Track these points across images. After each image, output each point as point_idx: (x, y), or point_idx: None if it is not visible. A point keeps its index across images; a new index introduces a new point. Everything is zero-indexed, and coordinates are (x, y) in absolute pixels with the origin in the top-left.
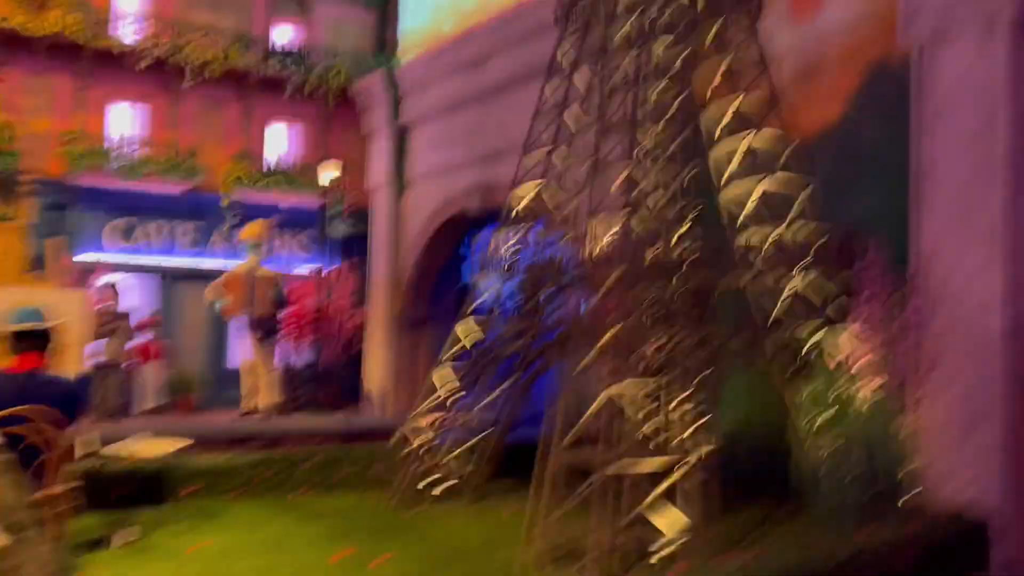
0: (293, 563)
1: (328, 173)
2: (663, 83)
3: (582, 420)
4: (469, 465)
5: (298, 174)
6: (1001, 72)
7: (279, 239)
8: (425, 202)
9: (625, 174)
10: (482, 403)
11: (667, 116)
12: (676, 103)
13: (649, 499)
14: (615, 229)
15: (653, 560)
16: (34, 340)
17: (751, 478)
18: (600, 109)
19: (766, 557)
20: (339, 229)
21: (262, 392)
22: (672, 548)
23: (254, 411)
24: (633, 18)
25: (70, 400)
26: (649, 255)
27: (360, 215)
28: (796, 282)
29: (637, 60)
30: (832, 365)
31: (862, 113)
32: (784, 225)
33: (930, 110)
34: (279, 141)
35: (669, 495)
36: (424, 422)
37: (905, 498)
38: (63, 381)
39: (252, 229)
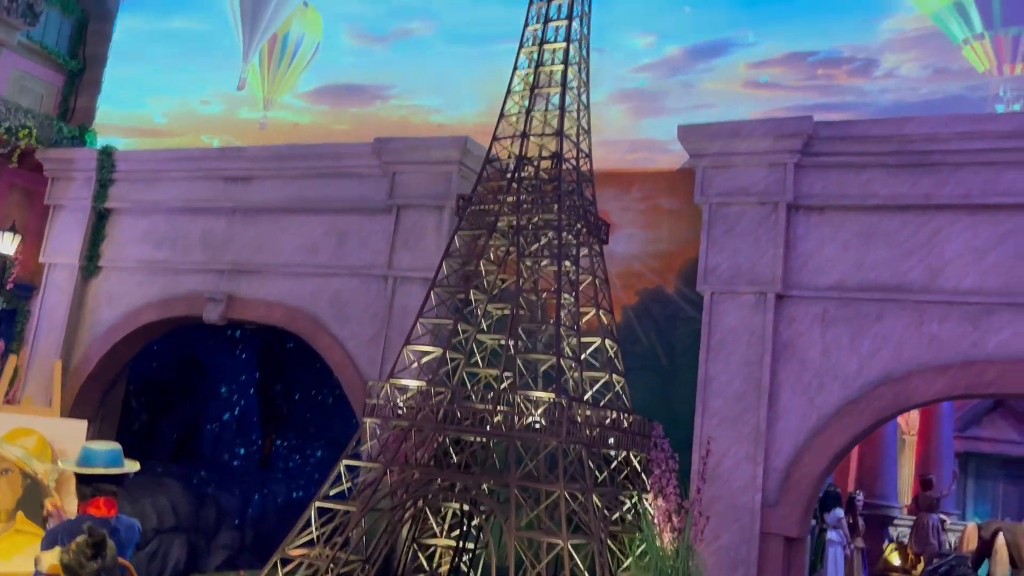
0: None
1: (5, 246)
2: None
3: None
4: None
5: None
6: (767, 324)
7: None
8: (127, 294)
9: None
10: None
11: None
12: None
13: None
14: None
15: None
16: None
17: None
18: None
19: None
20: None
21: None
22: None
23: None
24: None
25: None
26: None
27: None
28: (620, 455)
29: (517, 270)
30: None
31: (640, 323)
32: (612, 412)
33: (715, 339)
34: None
35: None
36: None
37: None
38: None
39: None
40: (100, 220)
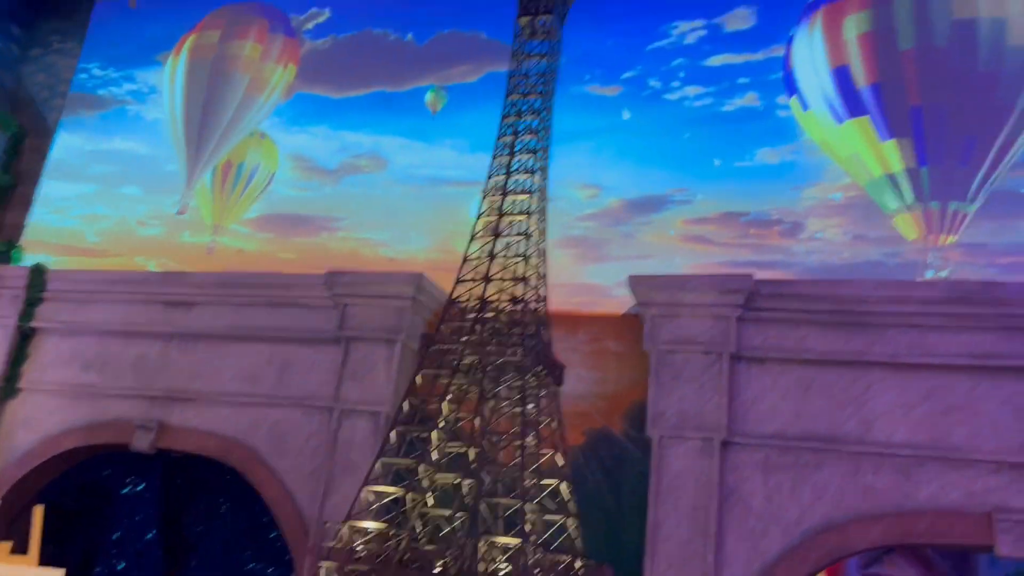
0: None
1: None
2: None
3: None
4: None
5: None
6: (714, 470)
7: None
8: (47, 418)
9: None
10: None
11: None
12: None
13: None
14: None
15: None
16: None
17: None
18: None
19: None
20: None
21: None
22: None
23: None
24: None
25: None
26: None
27: None
28: None
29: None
30: None
31: (588, 464)
32: (566, 557)
33: (664, 484)
34: None
35: None
36: None
37: None
38: None
39: None
40: (23, 340)
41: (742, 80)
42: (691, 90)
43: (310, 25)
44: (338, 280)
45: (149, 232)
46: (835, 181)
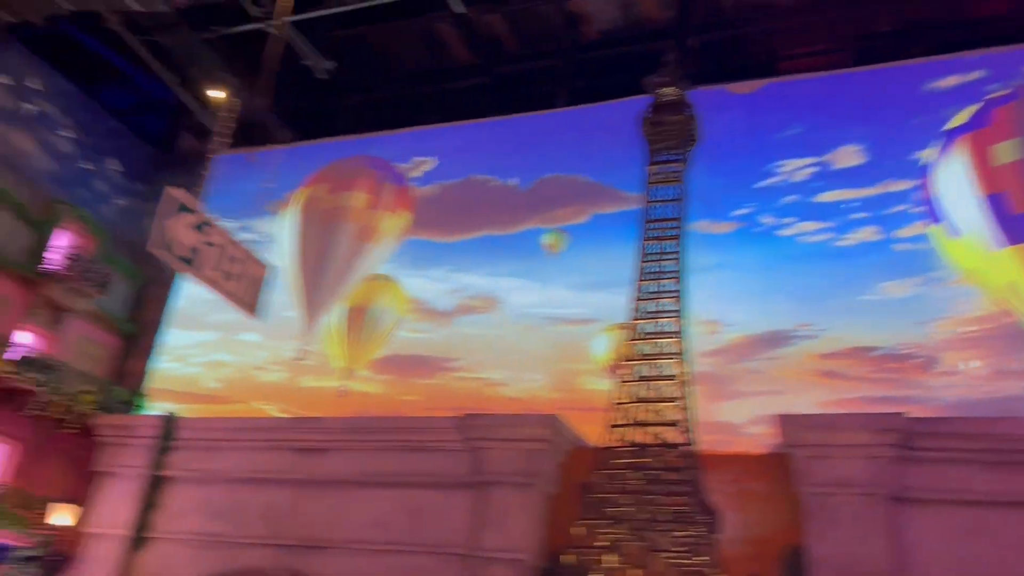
0: None
1: (61, 516)
2: None
3: None
4: None
5: (10, 505)
6: None
7: None
8: (178, 568)
9: None
10: None
11: None
12: None
13: None
14: None
15: None
16: None
17: None
18: None
19: None
20: (27, 575)
21: None
22: None
23: None
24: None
25: None
26: None
27: (48, 561)
28: None
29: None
30: None
31: None
32: None
33: None
34: None
35: None
36: None
37: None
38: None
39: None
40: (153, 489)
41: (857, 215)
42: (806, 226)
43: (417, 173)
44: (470, 423)
45: (269, 377)
46: (965, 313)
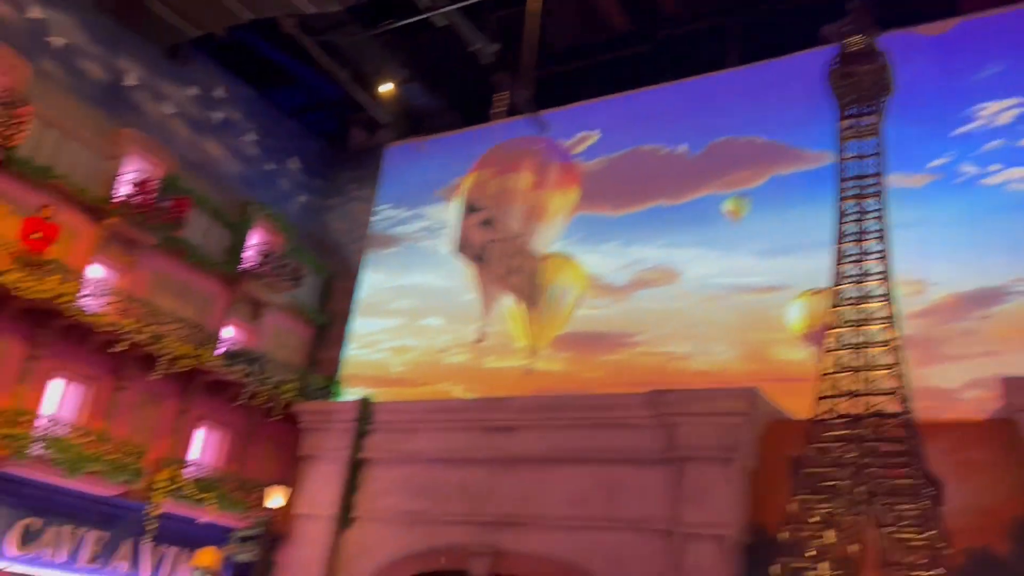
0: None
1: (276, 498)
2: None
3: None
4: None
5: (228, 489)
6: None
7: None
8: (383, 546)
9: None
10: None
11: None
12: None
13: None
14: None
15: None
16: None
17: None
18: None
19: None
20: (247, 553)
21: None
22: None
23: None
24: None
25: None
26: None
27: (264, 540)
28: None
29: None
30: None
31: None
32: None
33: None
34: (203, 446)
35: None
36: None
37: None
38: None
39: (205, 557)
40: (355, 470)
41: None
42: (1014, 172)
43: (581, 148)
44: (663, 399)
45: (452, 360)
46: None
